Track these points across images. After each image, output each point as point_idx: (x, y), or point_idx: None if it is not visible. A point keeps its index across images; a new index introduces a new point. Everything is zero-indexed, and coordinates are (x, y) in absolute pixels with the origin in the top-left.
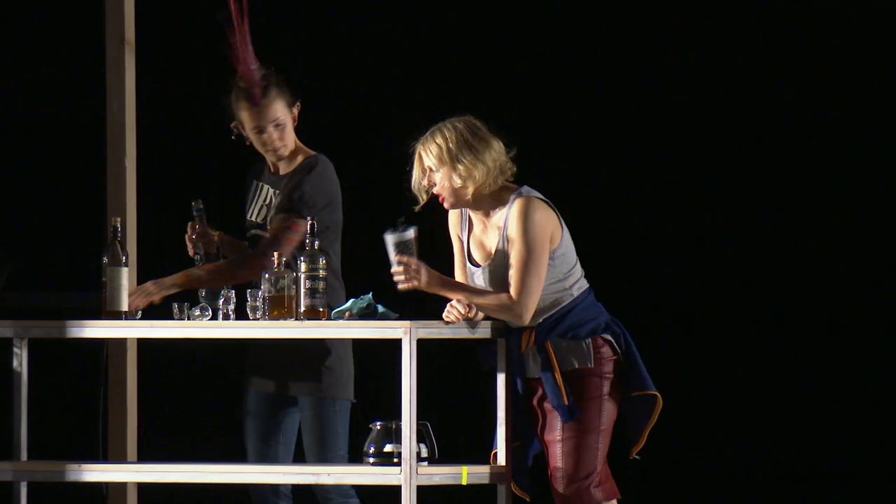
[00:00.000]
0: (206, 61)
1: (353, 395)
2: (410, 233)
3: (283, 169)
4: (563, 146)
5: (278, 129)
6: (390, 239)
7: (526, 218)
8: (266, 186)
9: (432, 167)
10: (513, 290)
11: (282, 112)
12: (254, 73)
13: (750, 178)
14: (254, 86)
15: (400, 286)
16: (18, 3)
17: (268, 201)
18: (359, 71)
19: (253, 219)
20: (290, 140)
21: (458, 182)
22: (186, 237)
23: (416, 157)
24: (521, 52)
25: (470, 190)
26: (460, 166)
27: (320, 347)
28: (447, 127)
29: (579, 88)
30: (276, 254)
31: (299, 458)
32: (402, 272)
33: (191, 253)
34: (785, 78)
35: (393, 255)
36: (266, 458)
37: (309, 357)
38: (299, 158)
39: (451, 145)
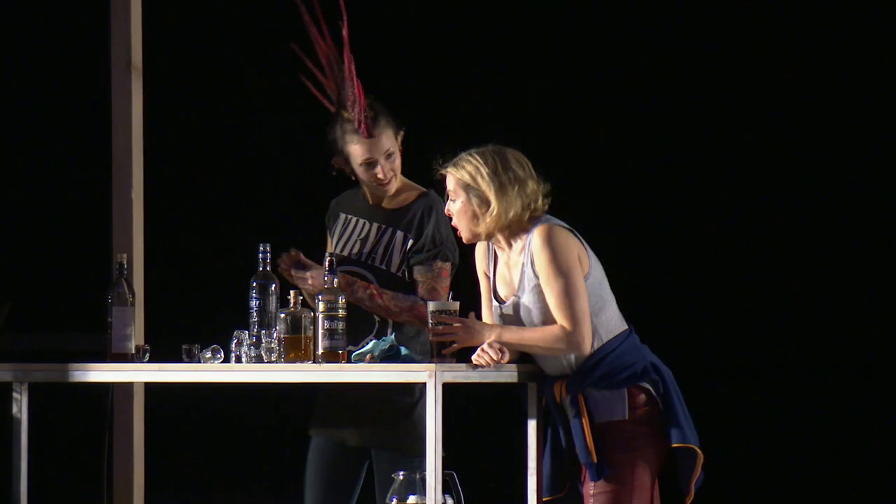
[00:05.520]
0: (220, 87)
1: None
2: (454, 304)
3: (389, 203)
4: (606, 181)
5: (389, 159)
6: (431, 306)
7: (548, 244)
8: (362, 221)
9: (451, 193)
10: (564, 321)
11: (391, 142)
12: (363, 104)
13: (800, 223)
14: (364, 117)
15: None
16: (19, 28)
17: (363, 235)
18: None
19: (345, 253)
20: (399, 171)
21: (477, 212)
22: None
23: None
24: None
25: (488, 223)
26: (489, 195)
27: (404, 397)
28: (481, 153)
29: (627, 125)
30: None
31: None
32: (442, 331)
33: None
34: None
35: (430, 322)
36: None
37: (392, 407)
38: (409, 192)
39: (482, 172)
